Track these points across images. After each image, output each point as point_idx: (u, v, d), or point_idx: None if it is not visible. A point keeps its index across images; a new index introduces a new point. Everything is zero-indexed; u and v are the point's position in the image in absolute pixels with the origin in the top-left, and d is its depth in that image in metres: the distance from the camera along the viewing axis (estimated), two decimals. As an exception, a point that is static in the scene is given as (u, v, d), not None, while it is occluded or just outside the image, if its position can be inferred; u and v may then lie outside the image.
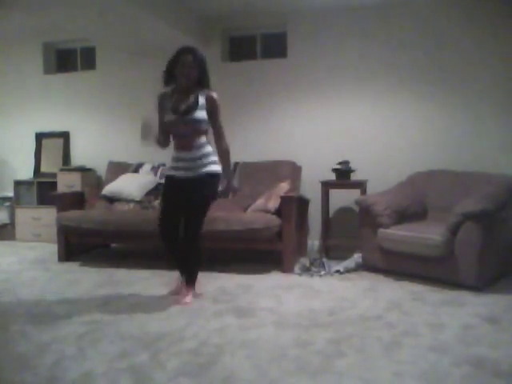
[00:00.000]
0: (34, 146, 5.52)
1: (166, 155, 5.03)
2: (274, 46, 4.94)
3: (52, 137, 5.48)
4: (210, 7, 4.56)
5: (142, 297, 3.12)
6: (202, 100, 2.79)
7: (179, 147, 2.87)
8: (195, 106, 2.77)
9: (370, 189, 4.19)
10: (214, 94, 2.85)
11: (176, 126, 2.80)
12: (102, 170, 5.19)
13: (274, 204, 3.75)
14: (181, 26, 4.38)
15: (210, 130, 2.94)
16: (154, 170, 4.77)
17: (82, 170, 5.11)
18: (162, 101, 2.87)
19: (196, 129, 2.80)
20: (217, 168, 2.89)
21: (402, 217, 3.63)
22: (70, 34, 5.10)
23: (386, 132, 4.45)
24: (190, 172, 2.83)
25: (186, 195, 2.83)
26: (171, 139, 2.94)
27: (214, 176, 2.87)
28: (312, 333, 2.43)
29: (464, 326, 2.50)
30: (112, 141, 5.32)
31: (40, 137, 5.52)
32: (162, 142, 2.95)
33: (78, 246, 4.38)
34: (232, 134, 4.89)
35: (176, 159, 2.89)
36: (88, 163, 5.32)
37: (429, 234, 3.26)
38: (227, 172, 3.00)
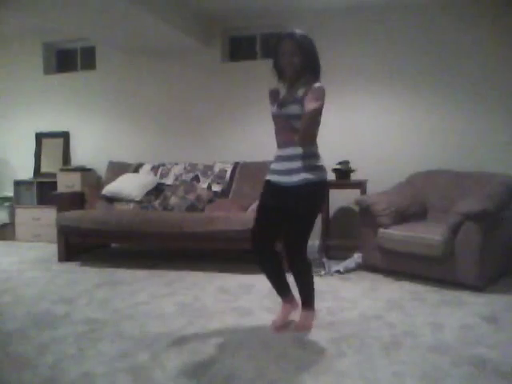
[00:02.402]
0: (34, 146, 5.52)
1: (166, 155, 5.09)
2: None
3: (52, 137, 5.48)
4: (210, 7, 4.56)
5: (142, 297, 3.11)
6: (300, 92, 2.33)
7: (278, 143, 2.47)
8: (293, 99, 2.35)
9: (369, 189, 4.19)
10: (317, 85, 2.32)
11: (274, 120, 2.46)
12: (102, 170, 5.19)
13: (274, 204, 3.74)
14: (181, 26, 4.38)
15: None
16: (154, 169, 4.77)
17: (82, 169, 5.11)
18: (273, 96, 2.47)
19: (289, 125, 2.37)
20: (318, 176, 2.38)
21: (402, 217, 3.63)
22: (69, 34, 5.10)
23: (386, 132, 4.45)
24: (284, 177, 2.39)
25: (282, 205, 2.41)
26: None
27: (315, 185, 2.37)
28: (312, 333, 2.43)
29: (464, 326, 2.50)
30: (112, 141, 5.32)
31: (40, 137, 5.52)
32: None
33: (78, 245, 4.38)
34: (232, 134, 4.92)
35: (275, 158, 2.49)
36: (88, 163, 5.32)
37: (429, 234, 3.25)
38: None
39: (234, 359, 2.12)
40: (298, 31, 2.36)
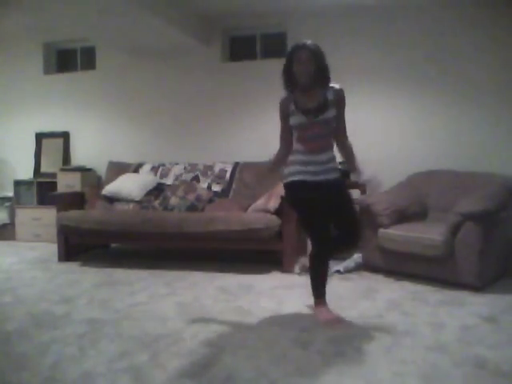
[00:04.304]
0: (34, 146, 5.52)
1: (166, 155, 5.09)
2: (274, 46, 4.94)
3: (52, 137, 5.48)
4: (210, 7, 4.56)
5: (142, 297, 3.11)
6: (330, 96, 2.55)
7: (308, 150, 2.57)
8: (326, 103, 2.53)
9: (369, 189, 4.19)
10: (340, 87, 2.60)
11: (307, 129, 2.55)
12: (102, 170, 5.19)
13: (274, 204, 3.75)
14: (181, 26, 4.38)
15: None
16: (154, 169, 4.77)
17: (82, 169, 5.11)
18: (286, 106, 2.60)
19: (329, 129, 2.58)
20: (339, 175, 2.68)
21: (402, 217, 3.63)
22: (69, 34, 5.11)
23: (386, 132, 4.45)
24: (319, 176, 2.57)
25: (330, 198, 2.60)
26: (297, 143, 2.62)
27: (341, 183, 2.70)
28: (312, 333, 2.43)
29: (464, 326, 2.50)
30: (112, 141, 5.32)
31: (40, 137, 5.52)
32: (283, 151, 2.68)
33: (78, 246, 4.38)
34: (232, 134, 4.92)
35: (304, 163, 2.59)
36: (88, 163, 5.32)
37: (429, 234, 3.25)
38: (355, 166, 2.78)
39: (234, 359, 2.12)
40: (310, 42, 2.52)
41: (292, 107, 2.56)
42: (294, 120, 2.56)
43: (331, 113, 2.53)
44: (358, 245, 2.82)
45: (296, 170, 2.59)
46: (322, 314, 2.65)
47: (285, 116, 2.61)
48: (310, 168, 2.56)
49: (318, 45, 2.53)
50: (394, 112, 4.43)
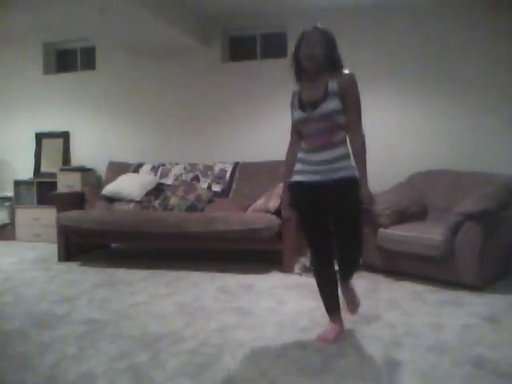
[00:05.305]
0: (34, 146, 5.52)
1: (166, 155, 5.09)
2: (274, 46, 4.94)
3: (52, 137, 5.48)
4: (210, 7, 4.56)
5: (142, 297, 3.11)
6: (332, 85, 2.16)
7: (309, 148, 2.26)
8: (324, 95, 2.16)
9: (370, 189, 4.18)
10: (350, 73, 2.21)
11: (306, 124, 2.23)
12: (102, 170, 5.19)
13: (274, 204, 3.75)
14: (181, 26, 4.38)
15: None
16: (154, 169, 4.77)
17: (82, 169, 5.11)
18: (293, 99, 2.34)
19: (330, 123, 2.17)
20: (354, 173, 2.23)
21: (402, 217, 3.63)
22: (69, 33, 5.11)
23: (386, 132, 4.45)
24: (317, 175, 2.21)
25: (325, 204, 2.24)
26: (302, 140, 2.34)
27: (351, 182, 2.21)
28: (312, 333, 2.43)
29: (464, 326, 2.50)
30: (112, 141, 5.32)
31: (40, 137, 5.52)
32: (291, 150, 2.41)
33: (78, 246, 4.38)
34: (232, 134, 4.92)
35: (304, 161, 2.27)
36: (88, 163, 5.32)
37: (429, 234, 3.25)
38: (363, 174, 2.23)
39: (234, 359, 2.13)
40: (321, 26, 2.23)
41: (296, 101, 2.31)
42: (294, 115, 2.30)
43: (331, 105, 2.14)
44: (352, 271, 2.42)
45: (297, 169, 2.31)
46: (325, 330, 2.39)
47: (292, 110, 2.37)
48: (308, 168, 2.24)
49: (330, 30, 2.23)
50: (393, 112, 4.43)
